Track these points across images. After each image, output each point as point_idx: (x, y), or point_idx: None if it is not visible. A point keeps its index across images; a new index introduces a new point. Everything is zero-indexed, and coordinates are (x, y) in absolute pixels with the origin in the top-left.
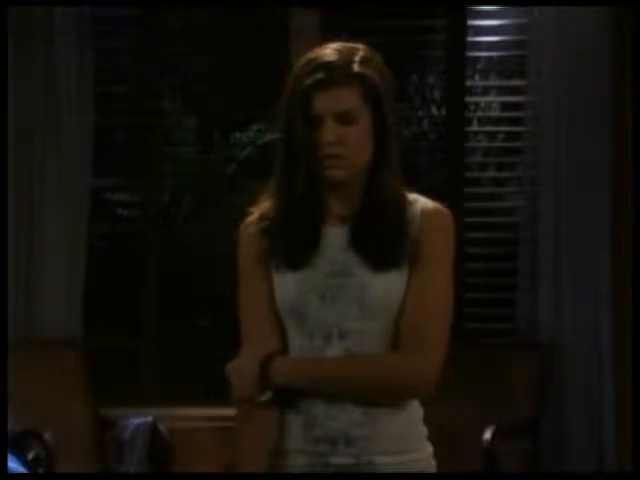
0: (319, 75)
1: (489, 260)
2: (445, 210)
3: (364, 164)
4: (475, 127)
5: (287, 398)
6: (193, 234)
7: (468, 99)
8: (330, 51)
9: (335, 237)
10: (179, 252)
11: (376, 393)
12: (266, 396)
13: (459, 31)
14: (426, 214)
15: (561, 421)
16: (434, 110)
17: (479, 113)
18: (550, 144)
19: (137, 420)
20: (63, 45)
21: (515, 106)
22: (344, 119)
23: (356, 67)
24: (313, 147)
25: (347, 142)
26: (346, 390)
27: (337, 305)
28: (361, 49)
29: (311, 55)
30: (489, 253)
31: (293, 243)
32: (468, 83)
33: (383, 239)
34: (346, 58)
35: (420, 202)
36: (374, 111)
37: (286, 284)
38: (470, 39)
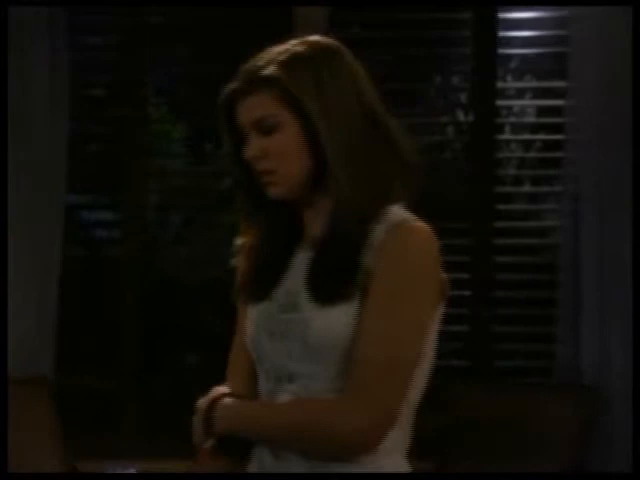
0: (233, 84)
1: (522, 288)
2: (415, 225)
3: (303, 177)
4: (507, 135)
5: (235, 446)
6: (180, 259)
7: (499, 103)
8: (259, 55)
9: (302, 263)
10: (164, 280)
11: (306, 445)
12: (208, 443)
13: (488, 25)
14: (387, 233)
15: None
16: (460, 115)
17: (512, 119)
18: (593, 155)
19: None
20: (34, 40)
21: (553, 111)
22: (263, 128)
23: (268, 70)
24: (246, 165)
25: (270, 154)
26: (278, 440)
27: (286, 343)
28: (291, 48)
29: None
30: (522, 280)
31: (257, 272)
32: (499, 85)
33: (329, 267)
34: (265, 62)
35: (390, 218)
36: (300, 117)
37: (249, 319)
38: (501, 34)
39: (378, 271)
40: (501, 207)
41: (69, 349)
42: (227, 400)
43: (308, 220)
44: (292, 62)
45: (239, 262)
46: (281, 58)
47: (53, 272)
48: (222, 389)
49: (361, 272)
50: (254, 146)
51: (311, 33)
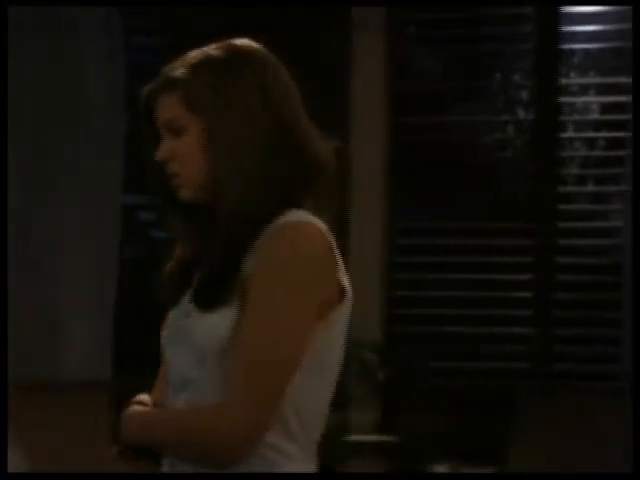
0: (149, 84)
1: (585, 289)
2: (298, 225)
3: (203, 180)
4: (570, 133)
5: (140, 451)
6: None
7: (562, 100)
8: (180, 58)
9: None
10: None
11: (183, 453)
12: (114, 450)
13: (551, 20)
14: (269, 235)
15: None
16: (521, 113)
17: (575, 116)
18: None
19: None
20: (90, 41)
21: (618, 108)
22: (173, 130)
23: (177, 72)
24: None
25: (176, 157)
26: (165, 448)
27: (180, 350)
28: (205, 50)
29: None
30: (585, 281)
31: (169, 278)
32: (562, 81)
33: (210, 271)
34: (179, 64)
35: (280, 220)
36: (201, 119)
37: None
38: (564, 29)
39: (255, 274)
40: (564, 207)
41: (127, 351)
42: (132, 408)
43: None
44: (198, 64)
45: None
46: (191, 61)
47: (111, 272)
48: (139, 397)
49: (241, 276)
50: (163, 148)
51: (369, 32)
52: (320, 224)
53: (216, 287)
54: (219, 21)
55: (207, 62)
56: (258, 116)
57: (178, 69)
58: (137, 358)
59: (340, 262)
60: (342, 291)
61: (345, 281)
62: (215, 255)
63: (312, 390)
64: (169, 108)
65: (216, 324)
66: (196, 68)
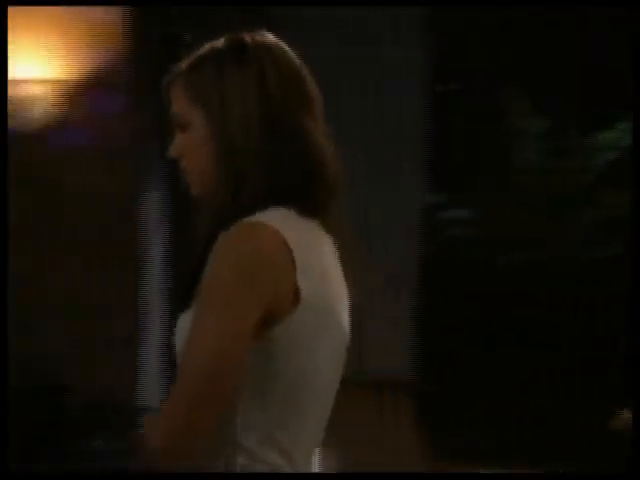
0: (164, 78)
1: None
2: (244, 224)
3: (213, 178)
4: None
5: None
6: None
7: None
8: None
9: None
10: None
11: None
12: None
13: None
14: (223, 233)
15: None
16: None
17: None
18: None
19: None
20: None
21: None
22: (180, 125)
23: (181, 66)
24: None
25: (185, 152)
26: None
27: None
28: (212, 44)
29: None
30: None
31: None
32: None
33: (185, 273)
34: (188, 58)
35: (241, 221)
36: (203, 113)
37: None
38: None
39: (204, 274)
40: None
41: (430, 350)
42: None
43: None
44: (201, 57)
45: None
46: (197, 53)
47: (410, 272)
48: None
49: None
50: (174, 144)
51: None
52: (282, 225)
53: (183, 289)
54: None
55: (209, 54)
56: (252, 109)
57: (184, 61)
58: (440, 358)
59: (303, 266)
60: (297, 296)
61: (307, 286)
62: (194, 253)
63: (289, 405)
64: (176, 101)
65: (181, 326)
66: (199, 60)
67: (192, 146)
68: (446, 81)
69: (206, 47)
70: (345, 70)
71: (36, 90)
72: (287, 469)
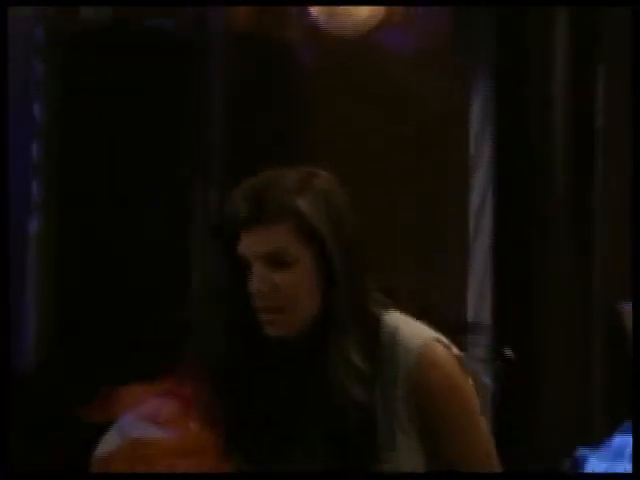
0: (241, 210)
1: None
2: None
3: (310, 317)
4: None
5: None
6: None
7: None
8: (260, 179)
9: None
10: None
11: None
12: None
13: None
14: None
15: None
16: None
17: None
18: None
19: None
20: None
21: None
22: (276, 262)
23: (286, 200)
24: (242, 297)
25: (281, 290)
26: None
27: None
28: (299, 173)
29: (243, 184)
30: None
31: None
32: None
33: None
34: (277, 187)
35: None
36: (316, 252)
37: None
38: None
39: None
40: None
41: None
42: None
43: None
44: (309, 193)
45: None
46: (296, 187)
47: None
48: None
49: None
50: (263, 279)
51: None
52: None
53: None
54: None
55: (315, 190)
56: (351, 238)
57: (285, 196)
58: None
59: None
60: None
61: None
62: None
63: None
64: (275, 238)
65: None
66: (308, 197)
67: (295, 286)
68: None
69: (301, 181)
70: None
71: None
72: None
